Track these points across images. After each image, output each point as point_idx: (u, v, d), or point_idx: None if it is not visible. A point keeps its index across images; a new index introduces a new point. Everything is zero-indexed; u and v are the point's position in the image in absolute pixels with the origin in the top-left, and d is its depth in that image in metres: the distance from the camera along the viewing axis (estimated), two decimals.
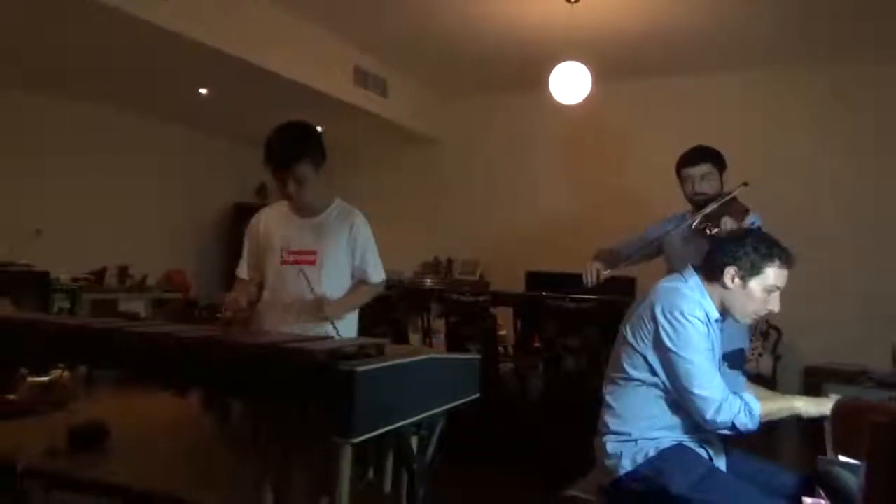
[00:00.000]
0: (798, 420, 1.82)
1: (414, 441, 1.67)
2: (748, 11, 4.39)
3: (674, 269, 2.74)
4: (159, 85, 5.63)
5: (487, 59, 5.46)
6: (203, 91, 5.74)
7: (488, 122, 6.54)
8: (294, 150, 2.26)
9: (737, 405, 1.74)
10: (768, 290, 1.86)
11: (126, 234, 6.46)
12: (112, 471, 3.46)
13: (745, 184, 2.57)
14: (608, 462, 1.90)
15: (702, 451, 1.89)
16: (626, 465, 1.86)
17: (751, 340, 4.74)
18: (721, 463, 1.92)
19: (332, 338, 1.83)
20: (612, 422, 1.92)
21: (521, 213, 6.20)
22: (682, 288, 1.91)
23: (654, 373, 1.86)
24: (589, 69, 4.34)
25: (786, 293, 1.91)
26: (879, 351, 4.45)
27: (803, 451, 3.74)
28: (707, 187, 2.66)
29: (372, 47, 5.49)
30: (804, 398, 1.86)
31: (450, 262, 6.52)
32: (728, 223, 2.47)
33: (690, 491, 1.74)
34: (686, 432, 1.89)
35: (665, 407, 1.87)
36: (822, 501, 1.55)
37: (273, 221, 2.45)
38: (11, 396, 4.02)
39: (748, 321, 1.96)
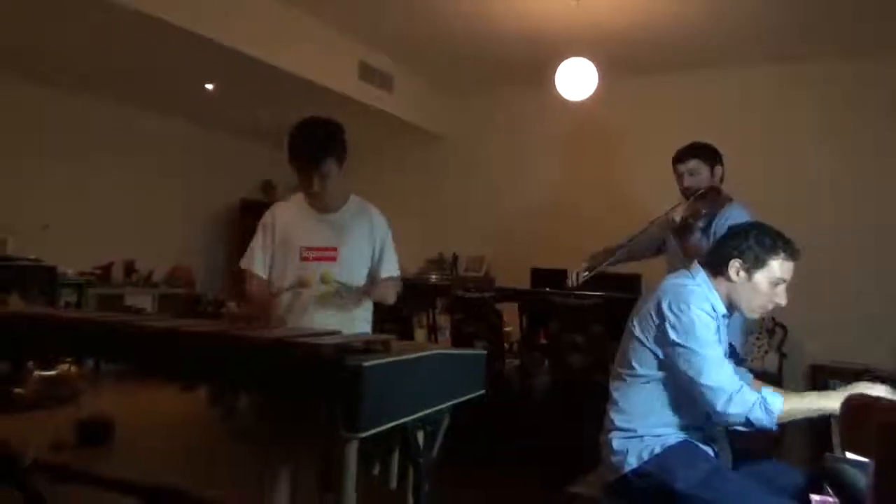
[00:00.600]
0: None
1: (420, 436, 1.67)
2: (751, 8, 4.38)
3: (668, 264, 2.84)
4: (166, 81, 5.65)
5: (493, 55, 5.45)
6: (209, 87, 5.75)
7: (493, 118, 6.53)
8: (322, 147, 2.25)
9: (751, 398, 1.70)
10: (774, 283, 1.86)
11: (132, 229, 6.48)
12: (118, 465, 3.48)
13: (714, 187, 2.71)
14: (613, 459, 1.90)
15: (707, 449, 1.89)
16: (632, 462, 1.86)
17: (756, 336, 4.74)
18: (727, 460, 1.92)
19: (339, 333, 1.82)
20: (617, 418, 1.92)
21: (526, 209, 6.19)
22: (689, 284, 1.91)
23: (661, 368, 1.85)
24: (596, 65, 4.33)
25: (792, 291, 1.90)
26: (884, 349, 4.44)
27: (810, 448, 3.74)
28: (694, 182, 2.74)
29: (377, 43, 5.49)
30: (832, 394, 1.73)
31: (455, 258, 6.53)
32: (676, 213, 2.64)
33: (696, 488, 1.74)
34: (692, 429, 1.88)
35: (671, 403, 1.87)
36: (830, 499, 1.54)
37: (290, 217, 2.41)
38: (19, 390, 4.04)
39: (755, 315, 1.95)
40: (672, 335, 1.80)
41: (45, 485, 2.32)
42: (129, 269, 6.43)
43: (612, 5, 4.41)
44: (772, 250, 1.85)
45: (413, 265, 6.34)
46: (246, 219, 7.36)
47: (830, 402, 1.68)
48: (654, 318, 1.85)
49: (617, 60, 5.18)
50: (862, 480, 1.44)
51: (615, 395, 1.95)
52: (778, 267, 1.85)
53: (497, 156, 6.50)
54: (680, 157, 2.81)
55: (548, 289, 4.07)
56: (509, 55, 5.41)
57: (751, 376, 2.12)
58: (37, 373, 4.13)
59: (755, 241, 1.86)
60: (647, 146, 5.43)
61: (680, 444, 1.85)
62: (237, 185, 7.46)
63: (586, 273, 2.87)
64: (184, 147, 7.06)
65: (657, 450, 1.84)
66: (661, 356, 1.84)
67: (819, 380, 4.66)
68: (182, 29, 4.06)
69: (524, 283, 5.54)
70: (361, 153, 6.68)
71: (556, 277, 5.01)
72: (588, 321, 3.67)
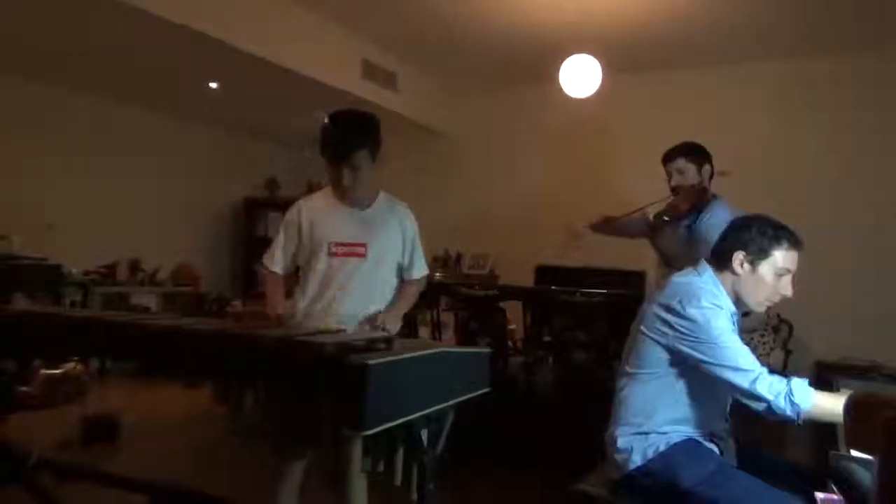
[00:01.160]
0: None
1: (424, 434, 1.67)
2: (753, 6, 4.36)
3: (660, 256, 2.99)
4: (169, 80, 5.65)
5: (496, 52, 5.44)
6: (213, 85, 5.76)
7: (497, 115, 6.52)
8: (354, 139, 2.21)
9: (779, 385, 1.66)
10: (779, 274, 1.85)
11: (137, 228, 6.50)
12: (124, 463, 3.49)
13: (696, 186, 2.85)
14: (618, 456, 1.90)
15: (712, 446, 1.89)
16: (637, 460, 1.86)
17: (761, 334, 4.73)
18: (732, 458, 1.91)
19: (343, 330, 1.83)
20: (623, 416, 1.91)
21: (530, 206, 6.18)
22: (696, 281, 1.90)
23: (672, 365, 1.85)
24: (600, 61, 4.32)
25: (798, 288, 1.90)
26: (891, 345, 4.42)
27: (815, 445, 3.73)
28: (682, 181, 2.86)
29: (381, 41, 5.48)
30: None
31: (459, 255, 6.52)
32: (652, 209, 2.88)
33: (701, 486, 1.74)
34: (697, 427, 1.88)
35: (677, 401, 1.87)
36: (835, 497, 1.54)
37: (317, 212, 2.36)
38: (25, 389, 4.06)
39: (762, 308, 1.94)
40: (688, 332, 1.79)
41: (52, 483, 2.33)
42: (134, 267, 6.44)
43: (613, 3, 4.40)
44: (775, 240, 1.84)
45: None
46: (250, 217, 7.38)
47: None
48: (665, 316, 1.85)
49: (622, 56, 5.16)
50: (867, 478, 1.44)
51: (621, 392, 1.95)
52: (782, 257, 1.84)
53: (501, 153, 6.49)
54: (668, 157, 2.93)
55: (553, 287, 4.07)
56: (512, 53, 5.40)
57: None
58: (43, 371, 4.15)
59: (758, 232, 1.85)
60: (651, 144, 5.41)
61: (685, 441, 1.85)
62: (241, 184, 7.47)
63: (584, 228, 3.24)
64: (188, 146, 7.07)
65: (662, 447, 1.84)
66: (674, 354, 1.83)
67: (825, 377, 4.65)
68: (186, 27, 4.06)
69: (528, 280, 5.53)
70: None
71: (561, 275, 5.01)
72: (592, 319, 3.67)
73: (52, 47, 4.92)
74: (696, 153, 2.89)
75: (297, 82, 5.01)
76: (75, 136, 6.06)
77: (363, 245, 2.29)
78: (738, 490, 1.71)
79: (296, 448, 2.26)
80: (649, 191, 3.13)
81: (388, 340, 1.67)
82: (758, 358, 1.76)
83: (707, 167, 2.89)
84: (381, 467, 1.70)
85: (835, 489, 1.58)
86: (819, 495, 1.59)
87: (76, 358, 3.87)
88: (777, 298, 1.90)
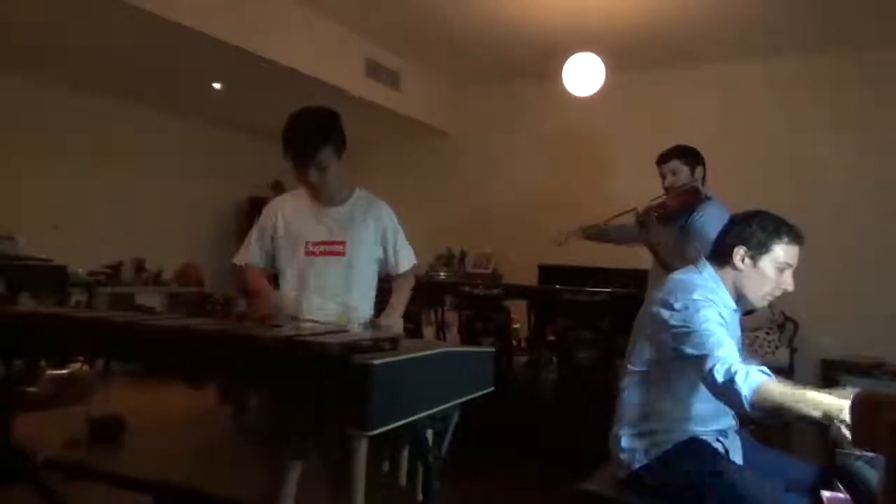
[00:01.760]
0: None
1: (429, 434, 1.67)
2: (754, 4, 4.35)
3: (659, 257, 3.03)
4: (173, 80, 5.67)
5: (499, 51, 5.44)
6: (217, 85, 5.77)
7: (500, 114, 6.52)
8: (315, 136, 2.17)
9: (743, 371, 1.54)
10: (780, 269, 1.85)
11: (142, 228, 6.51)
12: (130, 462, 3.51)
13: (685, 186, 2.95)
14: (623, 455, 1.89)
15: (718, 445, 1.88)
16: (642, 459, 1.85)
17: (767, 331, 4.72)
18: (737, 456, 1.91)
19: (347, 331, 1.83)
20: (627, 415, 1.91)
21: (534, 205, 6.18)
22: (695, 278, 1.90)
23: (671, 359, 1.84)
24: (602, 60, 4.31)
25: (803, 286, 1.89)
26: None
27: (820, 443, 3.72)
28: (675, 181, 2.98)
29: (384, 40, 5.48)
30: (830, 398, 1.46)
31: (463, 255, 6.52)
32: (641, 208, 3.03)
33: (706, 484, 1.73)
34: (702, 425, 1.88)
35: (680, 399, 1.86)
36: (841, 495, 1.54)
37: (292, 211, 2.34)
38: (32, 389, 4.07)
39: (764, 303, 1.93)
40: (676, 321, 1.77)
41: (59, 482, 2.34)
42: (139, 268, 6.46)
43: (614, 3, 4.40)
44: (775, 234, 1.84)
45: (421, 262, 6.33)
46: (255, 217, 7.20)
47: (811, 406, 1.45)
48: (662, 311, 1.85)
49: (627, 54, 5.16)
50: (873, 476, 1.44)
51: (624, 391, 1.95)
52: (783, 251, 1.84)
53: (504, 152, 6.49)
54: (662, 158, 3.05)
55: (557, 286, 4.07)
56: (517, 50, 5.39)
57: (764, 369, 2.11)
58: (49, 372, 4.16)
59: (758, 227, 1.85)
60: (652, 143, 5.41)
61: (689, 440, 1.84)
62: (245, 184, 7.48)
63: (572, 232, 3.36)
64: (192, 146, 7.08)
65: (667, 446, 1.83)
66: (666, 346, 1.83)
67: (831, 374, 4.64)
68: (189, 28, 4.07)
69: (532, 279, 5.53)
70: (369, 150, 6.72)
71: (564, 274, 5.01)
72: (596, 317, 3.66)
73: (56, 49, 4.94)
74: (689, 155, 3.00)
75: (301, 82, 5.01)
76: (80, 137, 6.08)
77: (341, 243, 2.26)
78: (743, 489, 1.70)
79: (299, 448, 2.26)
80: (650, 189, 3.15)
81: (394, 340, 1.67)
82: (762, 356, 1.75)
83: (700, 169, 3.00)
84: (386, 467, 1.70)
85: (841, 487, 1.57)
86: (825, 494, 1.58)
87: (82, 358, 3.88)
88: (778, 293, 1.90)
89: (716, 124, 5.28)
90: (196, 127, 7.09)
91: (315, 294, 2.25)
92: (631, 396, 1.92)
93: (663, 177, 3.04)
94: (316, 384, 1.53)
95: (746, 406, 1.51)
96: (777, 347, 4.73)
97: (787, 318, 4.83)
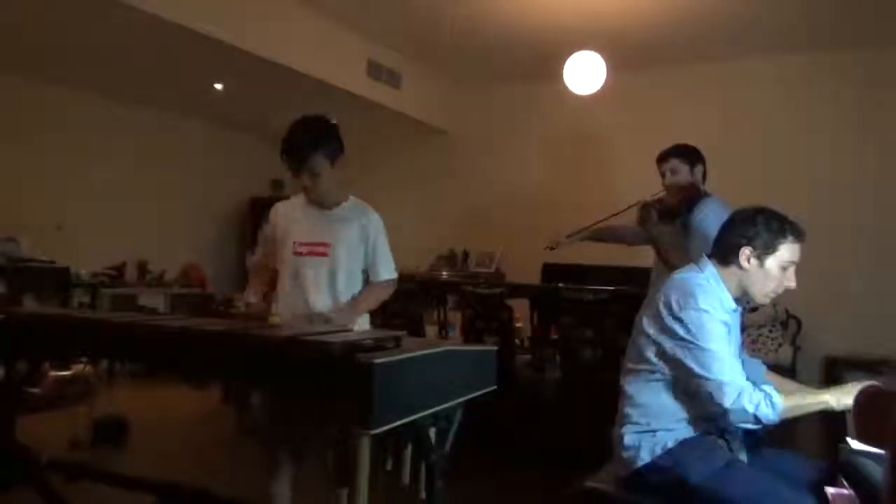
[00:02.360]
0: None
1: (432, 433, 1.67)
2: (755, 3, 4.34)
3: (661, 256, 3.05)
4: (175, 81, 5.68)
5: (501, 51, 5.44)
6: (218, 86, 5.78)
7: (502, 114, 6.51)
8: (307, 143, 2.25)
9: (758, 396, 1.70)
10: (784, 267, 1.86)
11: (144, 229, 6.53)
12: (133, 463, 3.51)
13: (684, 184, 2.96)
14: (626, 453, 1.89)
15: (721, 442, 1.88)
16: (645, 457, 1.85)
17: (770, 329, 4.71)
18: (741, 454, 1.90)
19: (351, 330, 1.83)
20: (630, 413, 1.91)
21: (535, 203, 6.17)
22: (697, 278, 1.89)
23: (669, 363, 1.84)
24: (604, 59, 4.31)
25: (806, 283, 1.89)
26: None
27: (824, 439, 3.71)
28: (674, 180, 2.99)
29: (386, 41, 5.48)
30: (832, 391, 1.74)
31: (465, 254, 6.52)
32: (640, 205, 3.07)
33: (710, 481, 1.73)
34: (704, 423, 1.87)
35: (684, 398, 1.86)
36: (846, 491, 1.53)
37: (289, 213, 2.45)
38: (35, 390, 4.08)
39: (766, 301, 1.94)
40: (680, 331, 1.79)
41: (62, 483, 2.34)
42: (142, 269, 6.48)
43: (615, 2, 4.40)
44: (780, 234, 1.84)
45: (423, 261, 6.34)
46: (256, 217, 7.37)
47: (826, 396, 1.72)
48: (664, 312, 1.84)
49: (629, 53, 5.15)
50: (878, 473, 1.43)
51: (627, 390, 1.94)
52: (787, 250, 1.84)
53: (506, 151, 6.48)
54: (662, 157, 3.04)
55: (560, 284, 4.07)
56: (516, 51, 5.39)
57: (764, 367, 2.11)
58: (52, 373, 4.16)
59: (763, 227, 1.85)
60: (654, 141, 5.41)
61: (693, 438, 1.84)
62: (247, 184, 7.49)
63: (563, 240, 3.37)
64: (193, 146, 7.09)
65: (670, 444, 1.83)
66: (666, 350, 1.83)
67: (834, 372, 4.63)
68: (191, 29, 4.08)
69: (535, 278, 5.52)
70: (371, 150, 6.71)
71: (567, 273, 5.00)
72: (599, 316, 3.66)
73: (58, 49, 4.95)
74: (688, 154, 3.02)
75: (303, 82, 5.01)
76: (82, 138, 6.09)
77: (326, 244, 2.33)
78: (747, 486, 1.70)
79: (301, 448, 2.27)
80: (651, 188, 3.15)
81: (397, 339, 1.67)
82: (766, 354, 1.77)
83: (699, 167, 3.01)
84: (389, 466, 1.70)
85: (845, 484, 1.57)
86: (830, 490, 1.58)
87: (85, 359, 3.89)
88: (781, 290, 1.90)
89: (716, 123, 5.26)
90: (198, 128, 7.10)
91: (304, 293, 2.31)
92: (632, 395, 1.91)
93: (663, 175, 3.05)
94: (318, 383, 1.53)
95: (776, 422, 1.69)
96: (780, 345, 4.71)
97: (790, 316, 4.82)
